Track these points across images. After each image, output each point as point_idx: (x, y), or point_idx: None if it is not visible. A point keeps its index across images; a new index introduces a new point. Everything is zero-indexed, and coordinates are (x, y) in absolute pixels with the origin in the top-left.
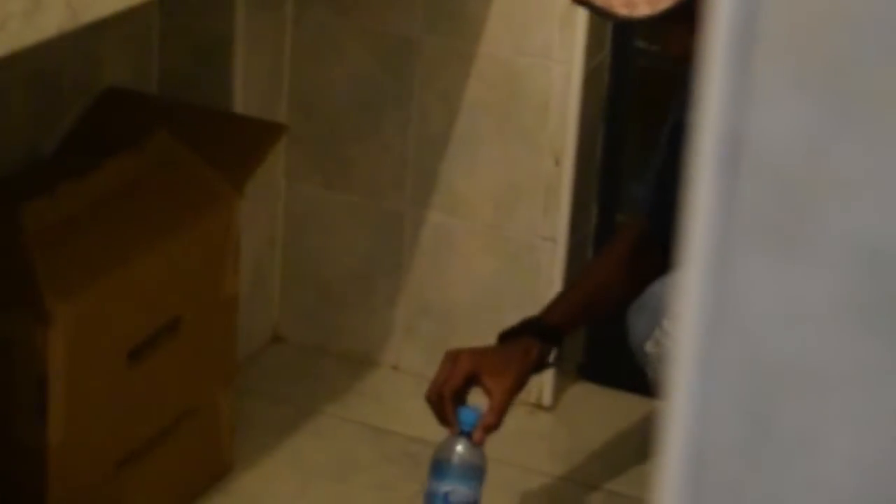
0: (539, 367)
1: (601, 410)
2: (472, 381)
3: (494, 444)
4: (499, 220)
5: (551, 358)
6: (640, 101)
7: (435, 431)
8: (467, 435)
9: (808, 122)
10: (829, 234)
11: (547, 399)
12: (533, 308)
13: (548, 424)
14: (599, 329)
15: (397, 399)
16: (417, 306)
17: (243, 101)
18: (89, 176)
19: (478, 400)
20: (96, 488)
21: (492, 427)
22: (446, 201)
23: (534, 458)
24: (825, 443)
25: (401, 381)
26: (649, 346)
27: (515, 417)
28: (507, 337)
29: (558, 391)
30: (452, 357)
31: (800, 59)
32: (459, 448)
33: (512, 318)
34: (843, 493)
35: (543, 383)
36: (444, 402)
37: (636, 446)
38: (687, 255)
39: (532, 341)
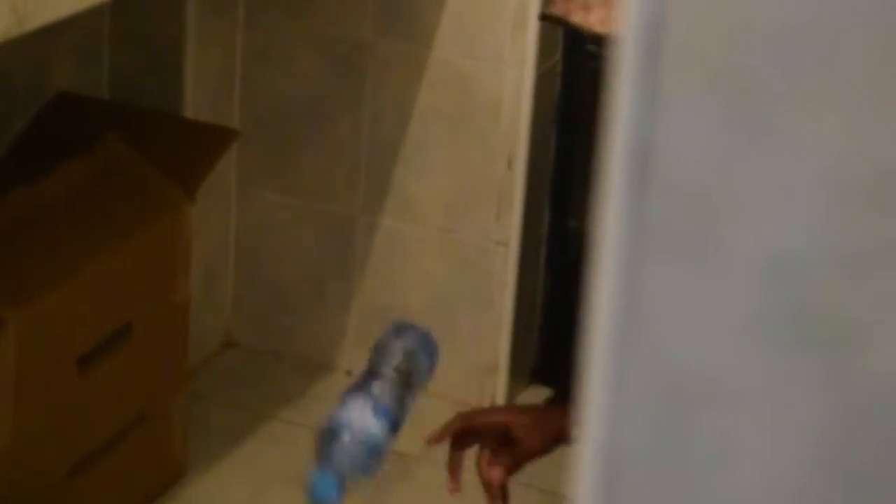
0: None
1: None
2: (503, 432)
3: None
4: (451, 224)
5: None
6: (593, 105)
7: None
8: None
9: (713, 136)
10: (735, 247)
11: (500, 402)
12: (486, 311)
13: None
14: (552, 333)
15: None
16: (370, 310)
17: (194, 105)
18: (39, 181)
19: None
20: (46, 495)
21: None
22: (399, 205)
23: None
24: (737, 454)
25: None
26: None
27: None
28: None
29: (511, 395)
30: (489, 408)
31: (706, 73)
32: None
33: (465, 322)
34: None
35: (497, 387)
36: (464, 430)
37: None
38: (596, 268)
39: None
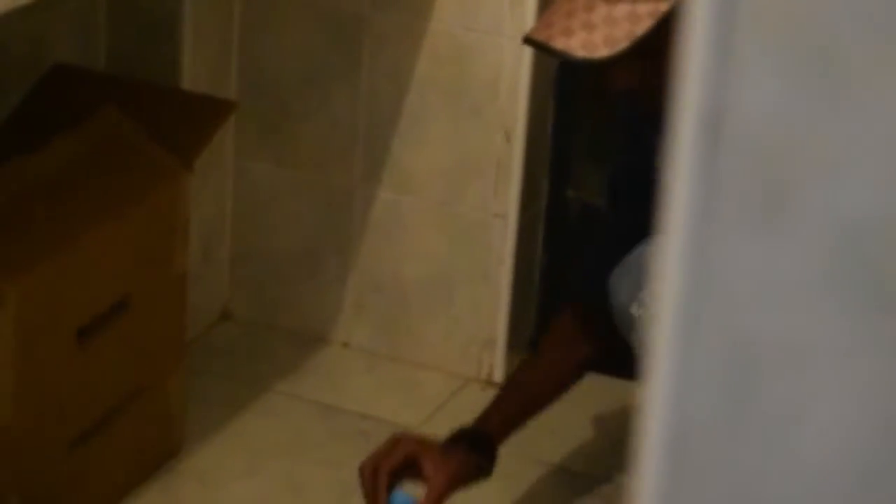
0: (475, 477)
1: None
2: (411, 464)
3: (449, 423)
4: (449, 196)
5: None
6: (591, 76)
7: (386, 409)
8: None
9: (789, 98)
10: (809, 209)
11: (498, 376)
12: (484, 284)
13: None
14: (551, 304)
15: (348, 376)
16: (368, 283)
17: (191, 77)
18: (37, 154)
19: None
20: (47, 469)
21: None
22: (396, 178)
23: None
24: (807, 416)
25: (351, 358)
26: (634, 309)
27: (468, 394)
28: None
29: (509, 368)
30: (395, 438)
31: (783, 31)
32: None
33: (463, 295)
34: (825, 465)
35: (494, 360)
36: (378, 477)
37: (588, 422)
38: (667, 231)
39: (471, 455)
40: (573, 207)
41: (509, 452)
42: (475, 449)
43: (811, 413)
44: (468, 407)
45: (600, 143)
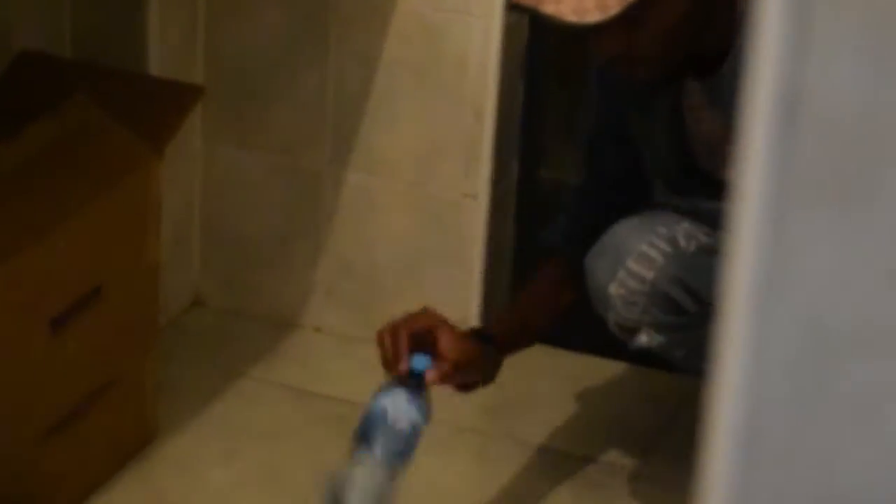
0: (482, 371)
1: (527, 366)
2: (427, 336)
3: None
4: (420, 177)
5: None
6: (560, 56)
7: (360, 391)
8: (415, 378)
9: (867, 78)
10: (887, 191)
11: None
12: (456, 265)
13: None
14: (523, 283)
15: (321, 361)
16: (339, 267)
17: (158, 62)
18: (7, 143)
19: None
20: (22, 458)
21: (447, 376)
22: (366, 160)
23: (462, 414)
24: (883, 403)
25: (324, 342)
26: (613, 289)
27: None
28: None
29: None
30: (415, 311)
31: (859, 14)
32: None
33: (435, 277)
34: None
35: None
36: (399, 338)
37: (566, 401)
38: (740, 211)
39: (485, 346)
40: (544, 186)
41: (490, 433)
42: (491, 346)
43: (887, 396)
44: (440, 387)
45: (570, 121)
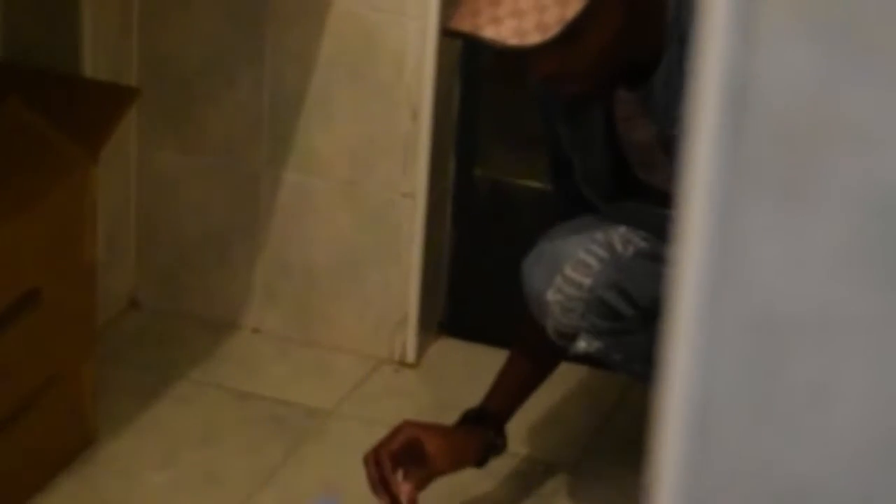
0: (485, 453)
1: (465, 365)
2: (414, 448)
3: (363, 404)
4: (357, 177)
5: (498, 445)
6: (496, 55)
7: (300, 393)
8: None
9: (815, 66)
10: (837, 180)
11: (411, 356)
12: (394, 264)
13: (413, 381)
14: (460, 284)
15: (259, 362)
16: (277, 267)
17: (92, 64)
18: None
19: None
20: None
21: (425, 482)
22: (303, 160)
23: (401, 415)
24: (835, 393)
25: (262, 343)
26: (550, 295)
27: (382, 375)
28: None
29: (422, 348)
30: (397, 426)
31: (808, 2)
32: None
33: (373, 276)
34: (854, 442)
35: (406, 340)
36: (382, 463)
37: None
38: (688, 203)
39: (475, 431)
40: (481, 185)
41: None
42: (481, 426)
43: (838, 387)
44: (382, 388)
45: (507, 121)
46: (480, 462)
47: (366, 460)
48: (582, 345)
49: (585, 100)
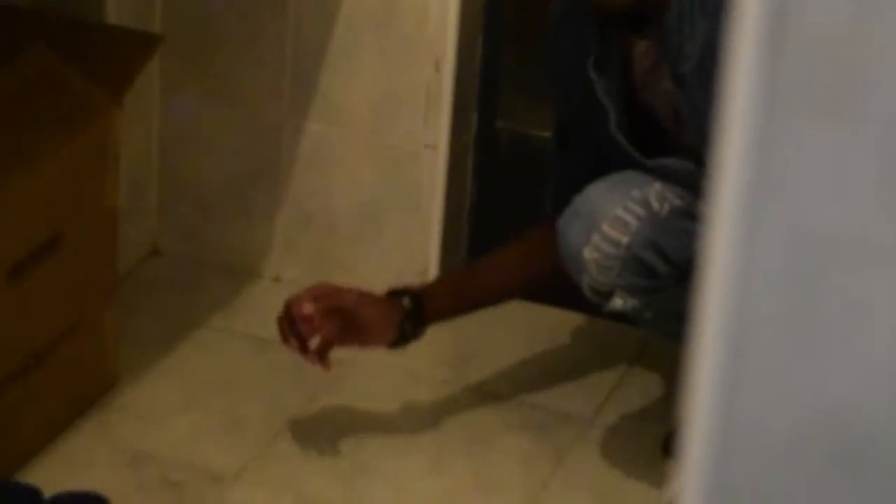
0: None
1: (484, 316)
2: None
3: (379, 353)
4: (379, 128)
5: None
6: (518, 6)
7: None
8: None
9: None
10: (877, 101)
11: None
12: (415, 215)
13: (432, 330)
14: (481, 236)
15: (279, 310)
16: (298, 217)
17: (116, 11)
18: None
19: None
20: None
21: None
22: (325, 111)
23: (419, 364)
24: (871, 313)
25: (283, 292)
26: (587, 253)
27: None
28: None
29: None
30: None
31: None
32: None
33: (394, 227)
34: (890, 364)
35: None
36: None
37: (522, 351)
38: (729, 124)
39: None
40: (503, 138)
41: (444, 381)
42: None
43: (874, 310)
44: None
45: (529, 73)
46: (395, 342)
47: (282, 322)
48: (618, 302)
49: (605, 38)
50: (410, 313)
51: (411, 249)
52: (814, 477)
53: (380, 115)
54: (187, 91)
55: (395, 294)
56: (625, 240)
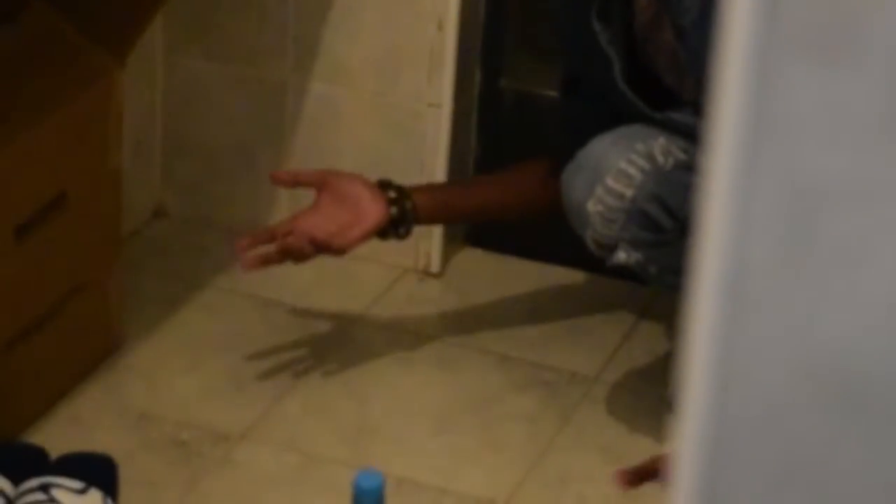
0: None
1: (489, 275)
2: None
3: (387, 313)
4: (382, 87)
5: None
6: None
7: (324, 300)
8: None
9: None
10: (875, 42)
11: (435, 266)
12: (419, 174)
13: (437, 291)
14: None
15: (284, 270)
16: None
17: None
18: None
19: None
20: None
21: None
22: (329, 70)
23: (425, 323)
24: (869, 256)
25: None
26: (591, 206)
27: (406, 284)
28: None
29: (446, 258)
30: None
31: None
32: None
33: None
34: (886, 305)
35: (431, 250)
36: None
37: (528, 309)
38: (726, 67)
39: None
40: (506, 97)
41: (449, 340)
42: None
43: (872, 253)
44: (406, 297)
45: (532, 31)
46: (382, 232)
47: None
48: (622, 255)
49: None
50: (396, 201)
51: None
52: (813, 415)
53: (383, 74)
54: (191, 50)
55: (381, 185)
56: (629, 193)
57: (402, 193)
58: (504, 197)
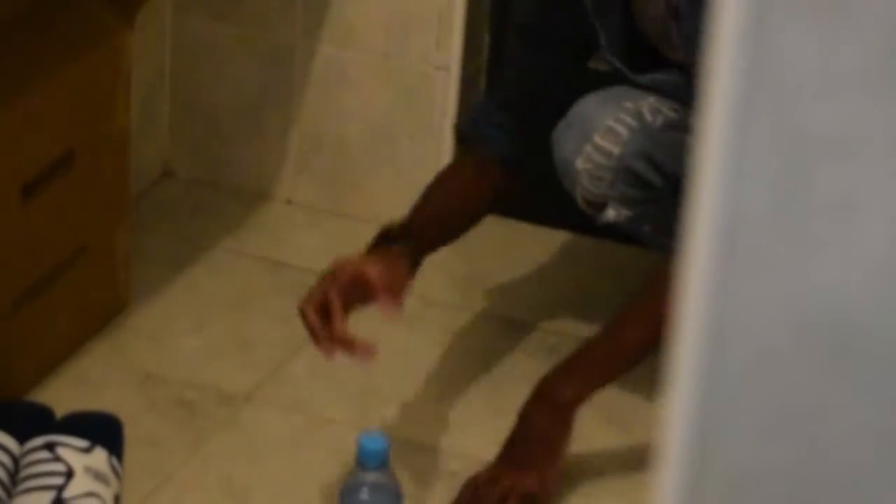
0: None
1: (495, 239)
2: (357, 280)
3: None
4: (391, 49)
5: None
6: None
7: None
8: (375, 460)
9: None
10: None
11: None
12: (427, 138)
13: (443, 254)
14: None
15: (291, 233)
16: (310, 139)
17: None
18: None
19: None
20: None
21: (396, 299)
22: (337, 32)
23: (431, 287)
24: (861, 208)
25: (295, 214)
26: (580, 163)
27: None
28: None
29: None
30: (329, 272)
31: None
32: (371, 479)
33: (405, 149)
34: (879, 255)
35: None
36: (332, 304)
37: (533, 274)
38: (719, 21)
39: (402, 251)
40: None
41: (456, 305)
42: (405, 244)
43: (864, 204)
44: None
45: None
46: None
47: (304, 309)
48: (611, 213)
49: None
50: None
51: (423, 171)
52: (806, 365)
53: (392, 37)
54: (199, 12)
55: (384, 240)
56: (616, 150)
57: (403, 239)
58: (458, 212)
